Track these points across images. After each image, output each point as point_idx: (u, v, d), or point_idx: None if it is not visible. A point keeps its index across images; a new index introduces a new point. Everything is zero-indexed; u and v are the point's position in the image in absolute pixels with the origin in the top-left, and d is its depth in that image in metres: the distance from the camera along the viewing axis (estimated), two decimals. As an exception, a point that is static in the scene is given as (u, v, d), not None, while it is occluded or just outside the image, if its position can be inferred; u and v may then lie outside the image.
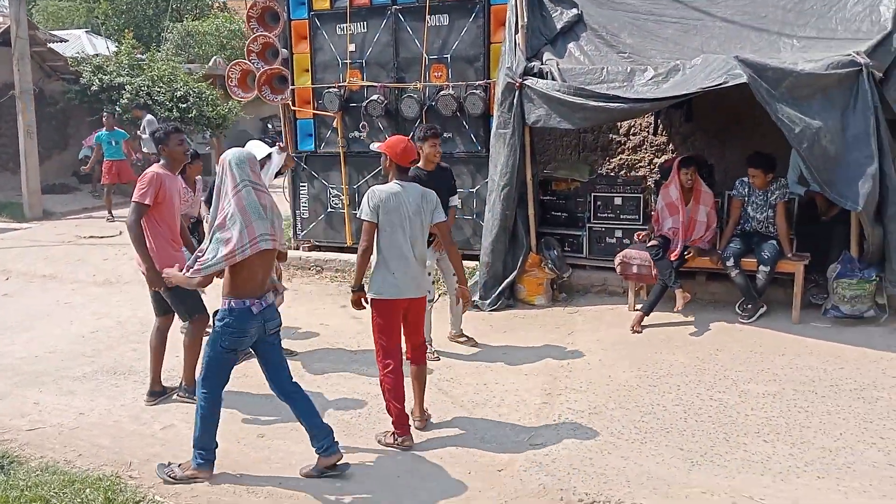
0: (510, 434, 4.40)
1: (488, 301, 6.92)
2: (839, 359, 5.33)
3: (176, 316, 4.96)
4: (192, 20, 19.67)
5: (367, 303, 4.31)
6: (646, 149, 8.37)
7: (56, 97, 14.39)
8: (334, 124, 8.27)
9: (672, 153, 8.25)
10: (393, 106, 7.95)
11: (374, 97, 7.87)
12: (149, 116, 12.65)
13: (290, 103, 8.58)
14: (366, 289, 4.29)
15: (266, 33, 8.72)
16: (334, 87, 8.12)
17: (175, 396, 5.01)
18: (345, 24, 8.05)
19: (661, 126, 8.22)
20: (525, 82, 6.56)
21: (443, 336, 6.02)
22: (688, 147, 8.16)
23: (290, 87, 8.47)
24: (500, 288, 6.92)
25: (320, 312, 7.03)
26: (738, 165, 7.34)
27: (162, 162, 4.88)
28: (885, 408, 4.54)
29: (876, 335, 5.73)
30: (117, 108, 13.73)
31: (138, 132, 13.33)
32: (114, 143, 11.89)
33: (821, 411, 4.53)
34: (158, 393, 5.00)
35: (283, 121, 9.65)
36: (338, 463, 3.92)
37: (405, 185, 4.28)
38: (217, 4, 22.84)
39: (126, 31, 15.78)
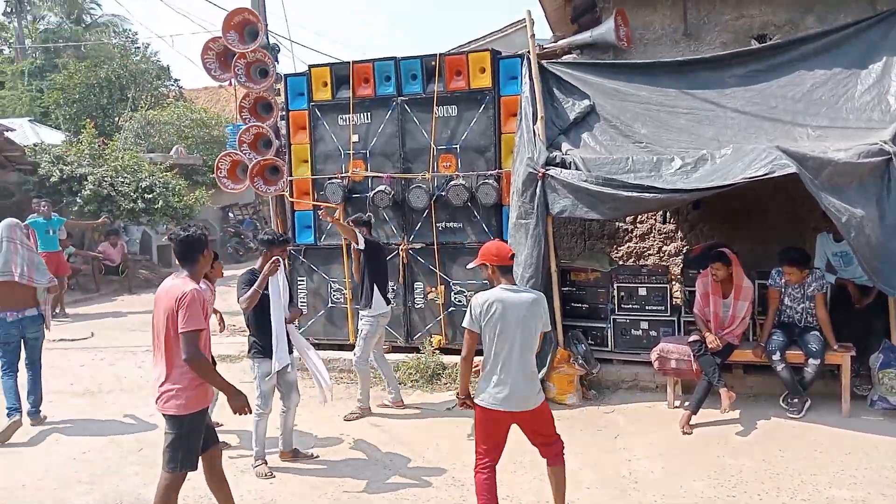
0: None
1: (516, 401, 6.50)
2: (908, 455, 5.09)
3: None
4: (147, 109, 19.29)
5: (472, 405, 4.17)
6: (654, 236, 8.26)
7: (11, 189, 13.65)
8: (336, 215, 7.90)
9: (681, 241, 8.17)
10: (399, 196, 7.67)
11: (381, 188, 7.59)
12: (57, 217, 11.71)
13: (288, 194, 8.21)
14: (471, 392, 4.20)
15: (259, 123, 8.46)
16: (337, 178, 7.81)
17: None
18: (347, 115, 7.83)
19: (668, 214, 8.14)
20: (548, 172, 6.40)
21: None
22: (696, 235, 8.09)
23: (288, 177, 8.13)
24: (528, 386, 6.53)
25: (336, 420, 6.45)
26: (749, 254, 7.29)
27: (185, 274, 4.13)
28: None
29: (931, 426, 5.55)
30: (78, 200, 13.09)
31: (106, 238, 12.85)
32: (50, 233, 11.09)
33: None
34: None
35: (273, 213, 9.29)
36: None
37: (512, 289, 4.08)
38: (172, 93, 22.56)
39: (87, 120, 15.27)
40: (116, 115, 20.19)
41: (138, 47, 25.15)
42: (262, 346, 5.34)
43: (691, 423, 5.83)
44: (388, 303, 6.67)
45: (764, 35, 7.60)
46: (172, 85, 23.51)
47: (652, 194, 5.87)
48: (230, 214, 18.99)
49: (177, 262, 4.24)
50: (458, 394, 4.30)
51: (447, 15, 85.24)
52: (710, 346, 6.03)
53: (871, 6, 7.14)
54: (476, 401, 4.09)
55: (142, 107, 19.64)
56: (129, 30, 27.83)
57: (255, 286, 5.22)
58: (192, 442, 4.12)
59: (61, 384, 7.56)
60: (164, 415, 4.07)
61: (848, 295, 6.45)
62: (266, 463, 5.32)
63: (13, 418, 6.17)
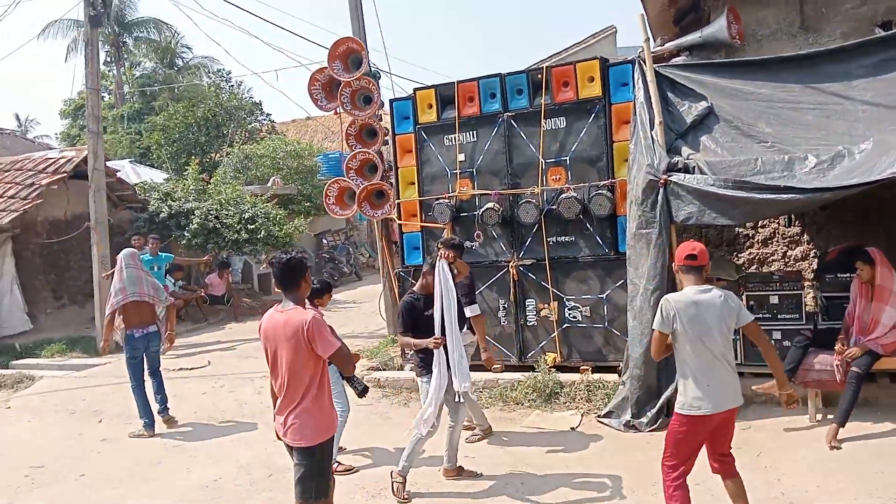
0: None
1: (645, 420, 6.22)
2: None
3: None
4: (242, 144, 19.95)
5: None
6: (778, 241, 7.83)
7: (123, 226, 14.27)
8: (445, 234, 7.84)
9: (808, 244, 7.71)
10: (508, 213, 7.55)
11: (490, 205, 7.50)
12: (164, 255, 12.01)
13: (396, 216, 8.23)
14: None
15: (365, 149, 8.59)
16: (444, 198, 7.76)
17: None
18: (452, 135, 7.81)
19: (793, 216, 7.70)
20: (671, 178, 6.14)
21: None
22: (823, 237, 7.62)
23: (396, 200, 8.16)
24: (659, 404, 6.24)
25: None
26: (886, 255, 6.79)
27: (291, 303, 4.03)
28: None
29: None
30: (186, 234, 13.56)
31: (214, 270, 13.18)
32: (156, 269, 11.43)
33: None
34: None
35: (379, 236, 9.36)
36: None
37: (703, 289, 4.02)
38: (265, 127, 23.28)
39: (191, 158, 15.87)
40: (214, 152, 20.91)
41: (232, 85, 26.13)
42: (425, 362, 5.27)
43: (838, 437, 5.42)
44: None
45: (889, 22, 7.14)
46: (265, 119, 24.24)
47: (791, 195, 5.52)
48: (324, 241, 19.34)
49: (277, 289, 4.17)
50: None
51: (532, 28, 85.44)
52: (846, 357, 5.66)
53: None
54: (680, 410, 4.05)
55: (237, 142, 20.31)
56: (223, 69, 28.98)
57: (413, 343, 5.25)
58: (324, 469, 4.11)
59: (185, 412, 7.72)
60: (294, 448, 4.03)
61: None
62: (405, 483, 5.19)
63: (148, 431, 7.10)
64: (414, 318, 5.26)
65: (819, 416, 5.97)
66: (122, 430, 7.34)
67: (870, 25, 7.18)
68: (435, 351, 5.11)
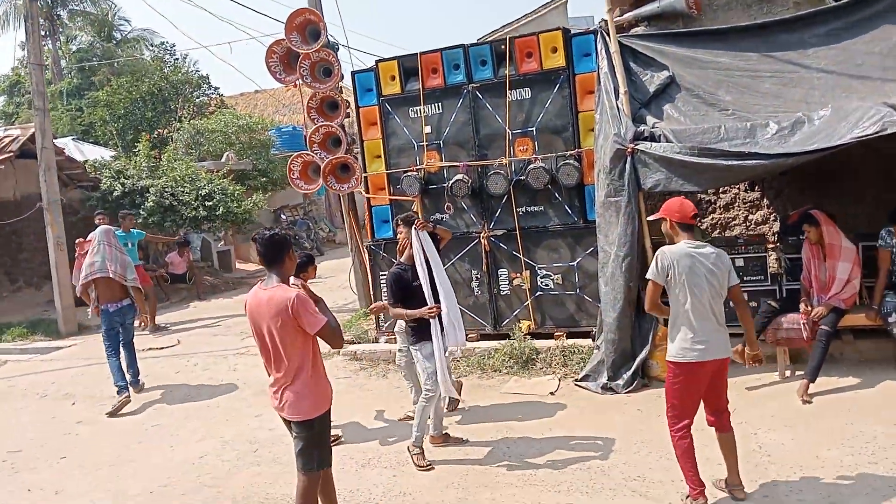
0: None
1: (622, 382, 6.45)
2: None
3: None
4: (191, 119, 19.50)
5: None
6: (738, 206, 8.09)
7: (75, 206, 13.91)
8: (414, 208, 7.89)
9: (767, 208, 7.98)
10: (477, 184, 7.63)
11: (459, 177, 7.56)
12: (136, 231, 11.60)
13: (364, 190, 8.23)
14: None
15: (328, 122, 8.49)
16: (412, 171, 7.79)
17: None
18: (417, 107, 7.81)
19: (753, 182, 7.96)
20: (638, 147, 6.30)
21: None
22: (783, 202, 7.89)
23: (363, 174, 8.15)
24: (634, 366, 6.48)
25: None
26: (843, 216, 7.10)
27: (275, 279, 4.03)
28: None
29: None
30: (141, 212, 13.29)
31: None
32: (129, 245, 11.19)
33: None
34: None
35: (346, 210, 9.35)
36: None
37: (696, 244, 4.21)
38: (214, 101, 22.73)
39: (142, 134, 15.45)
40: (162, 127, 20.39)
41: (176, 59, 25.43)
42: (417, 328, 5.32)
43: (809, 391, 5.72)
44: None
45: (840, -9, 7.36)
46: (213, 93, 23.69)
47: (756, 161, 5.73)
48: (282, 216, 19.15)
49: (261, 265, 4.19)
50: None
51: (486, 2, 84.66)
52: (813, 317, 5.96)
53: (956, -49, 6.88)
54: (672, 358, 4.23)
55: (185, 117, 19.86)
56: (166, 42, 28.12)
57: (406, 314, 5.29)
58: (324, 440, 4.16)
59: (160, 392, 7.70)
60: (291, 421, 4.08)
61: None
62: (423, 453, 5.26)
63: (123, 395, 7.31)
64: (403, 289, 5.32)
65: (788, 373, 6.27)
66: (97, 412, 7.28)
67: (822, -5, 7.40)
68: (431, 319, 5.20)
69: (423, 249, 5.30)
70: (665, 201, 4.43)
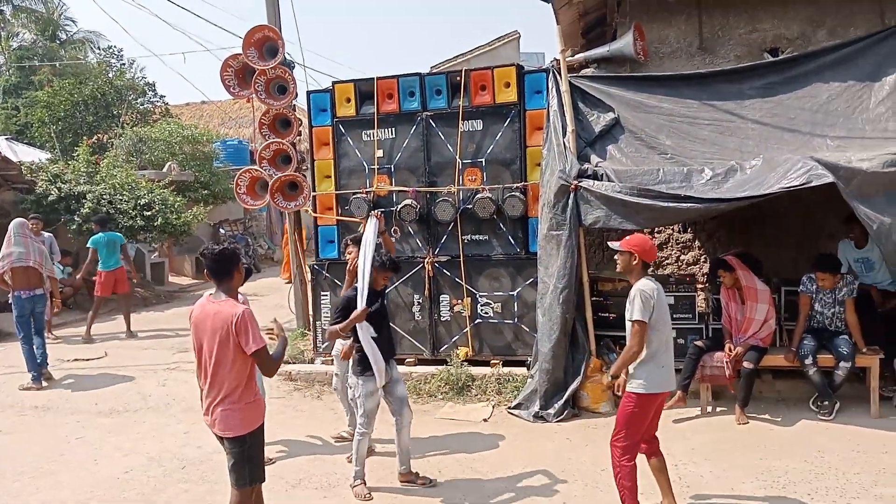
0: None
1: (553, 411, 6.58)
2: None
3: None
4: (133, 126, 19.11)
5: (618, 392, 4.55)
6: (672, 245, 8.43)
7: (6, 207, 13.42)
8: (360, 229, 7.93)
9: (698, 249, 8.34)
10: (425, 210, 7.74)
11: (408, 202, 7.65)
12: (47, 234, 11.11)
13: (311, 209, 8.25)
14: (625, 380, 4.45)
15: (279, 140, 8.52)
16: (362, 193, 7.85)
17: None
18: (371, 131, 7.91)
19: (686, 223, 8.31)
20: (581, 184, 6.52)
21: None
22: (713, 244, 8.27)
23: (312, 193, 8.18)
24: (566, 396, 6.62)
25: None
26: (767, 260, 7.48)
27: (222, 293, 4.03)
28: None
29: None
30: (76, 218, 12.94)
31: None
32: (112, 248, 10.91)
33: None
34: None
35: (292, 229, 9.32)
36: None
37: (654, 279, 4.45)
38: (159, 109, 22.33)
39: (83, 138, 15.05)
40: (103, 132, 19.90)
41: (123, 63, 24.93)
42: (362, 363, 5.12)
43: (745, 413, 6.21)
44: None
45: (776, 48, 7.85)
46: (158, 101, 23.27)
47: (690, 204, 6.02)
48: (221, 230, 18.85)
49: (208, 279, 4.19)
50: (612, 374, 4.64)
51: (438, 27, 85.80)
52: (734, 357, 6.26)
53: (880, 21, 7.43)
54: (638, 390, 4.33)
55: (127, 124, 19.46)
56: (113, 46, 27.56)
57: (339, 328, 5.07)
58: (255, 456, 4.13)
59: (87, 404, 7.47)
60: (223, 438, 4.04)
61: (870, 300, 6.66)
62: (365, 483, 5.12)
63: (36, 384, 8.06)
64: (350, 312, 5.12)
65: (710, 408, 6.52)
66: (16, 421, 7.03)
67: (760, 50, 7.86)
68: (369, 350, 5.07)
69: (372, 240, 5.26)
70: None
